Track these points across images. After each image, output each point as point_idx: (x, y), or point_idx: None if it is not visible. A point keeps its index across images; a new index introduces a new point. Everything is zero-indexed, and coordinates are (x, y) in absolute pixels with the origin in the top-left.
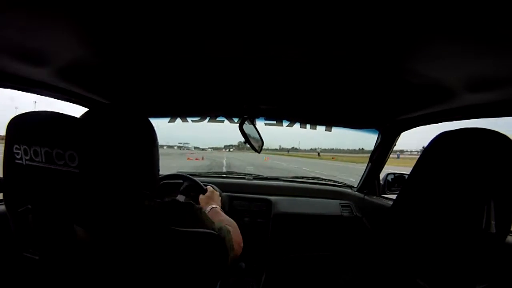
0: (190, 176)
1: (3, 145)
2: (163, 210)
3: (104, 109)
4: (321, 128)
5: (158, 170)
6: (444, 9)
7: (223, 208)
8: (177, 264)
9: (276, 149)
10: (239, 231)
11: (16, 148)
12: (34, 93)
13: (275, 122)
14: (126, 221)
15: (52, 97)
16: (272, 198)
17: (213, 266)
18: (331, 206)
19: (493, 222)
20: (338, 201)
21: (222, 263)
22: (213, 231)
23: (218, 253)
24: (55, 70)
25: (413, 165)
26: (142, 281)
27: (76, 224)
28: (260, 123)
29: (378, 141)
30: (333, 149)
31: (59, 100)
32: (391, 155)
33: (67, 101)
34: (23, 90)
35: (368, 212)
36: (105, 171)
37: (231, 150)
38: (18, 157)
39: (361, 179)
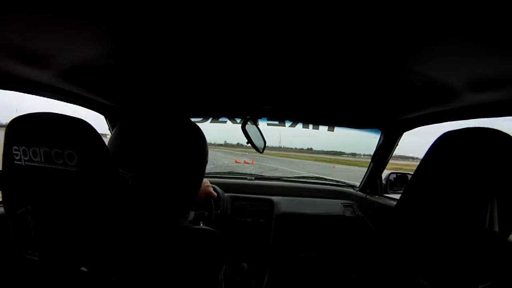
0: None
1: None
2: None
3: (139, 116)
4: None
5: (199, 187)
6: (446, 10)
7: (225, 209)
8: (175, 259)
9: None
10: None
11: (15, 149)
12: (40, 95)
13: (277, 122)
14: (124, 217)
15: (56, 99)
16: (274, 198)
17: (212, 263)
18: (333, 206)
19: (496, 221)
20: (340, 201)
21: (221, 260)
22: (213, 229)
23: (217, 250)
24: (61, 72)
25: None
26: (142, 278)
27: (76, 223)
28: (262, 123)
29: (381, 141)
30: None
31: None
32: None
33: (71, 103)
34: (28, 93)
35: (370, 212)
36: (103, 169)
37: None
38: (17, 158)
39: (363, 178)
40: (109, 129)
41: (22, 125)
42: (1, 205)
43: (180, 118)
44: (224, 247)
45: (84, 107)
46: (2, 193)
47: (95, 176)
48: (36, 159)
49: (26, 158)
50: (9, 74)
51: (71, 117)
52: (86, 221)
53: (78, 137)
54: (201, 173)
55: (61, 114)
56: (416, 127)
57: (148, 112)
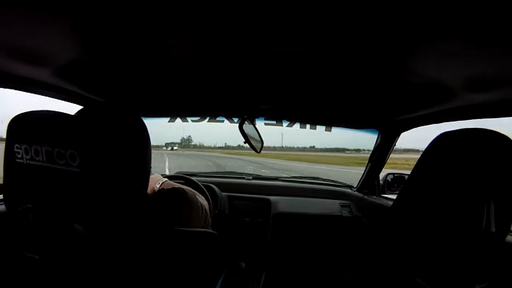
0: (190, 178)
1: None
2: (156, 199)
3: (100, 107)
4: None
5: (150, 168)
6: (444, 9)
7: (222, 209)
8: (177, 263)
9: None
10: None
11: (17, 147)
12: (32, 92)
13: (275, 122)
14: (126, 219)
15: (49, 96)
16: (271, 198)
17: (213, 265)
18: (331, 206)
19: (493, 222)
20: (338, 201)
21: (221, 261)
22: (213, 231)
23: (217, 252)
24: (52, 69)
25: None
26: (142, 280)
27: (77, 223)
28: (260, 123)
29: (378, 141)
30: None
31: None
32: None
33: (65, 101)
34: (20, 90)
35: (368, 212)
36: (106, 170)
37: (175, 148)
38: (19, 156)
39: (360, 179)
40: None
41: (24, 123)
42: (2, 203)
43: (129, 114)
44: (225, 250)
45: (81, 105)
46: (4, 191)
47: (98, 178)
48: (37, 158)
49: (27, 157)
50: (6, 72)
51: (74, 116)
52: (86, 221)
53: (81, 138)
54: (145, 157)
55: (63, 113)
56: (414, 127)
57: (105, 108)
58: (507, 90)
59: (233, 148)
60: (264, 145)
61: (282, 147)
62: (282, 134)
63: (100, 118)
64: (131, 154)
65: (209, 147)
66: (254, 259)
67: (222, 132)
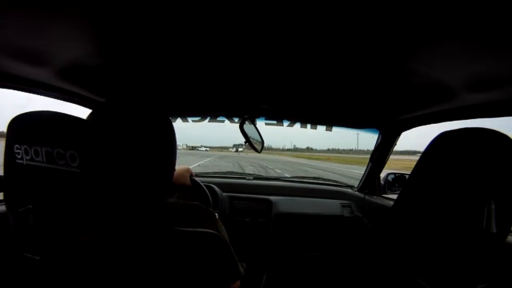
0: (201, 183)
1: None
2: (177, 210)
3: (111, 107)
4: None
5: (173, 171)
6: (445, 9)
7: (223, 209)
8: (176, 262)
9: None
10: None
11: (17, 148)
12: (35, 93)
13: (275, 122)
14: (129, 221)
15: (52, 97)
16: (272, 198)
17: (215, 267)
18: (332, 206)
19: (493, 222)
20: (339, 201)
21: (224, 263)
22: (214, 231)
23: (219, 253)
24: (56, 70)
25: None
26: (142, 280)
27: (77, 223)
28: (260, 123)
29: (379, 141)
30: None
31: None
32: None
33: (68, 101)
34: (24, 91)
35: (369, 212)
36: (107, 171)
37: (240, 150)
38: (19, 157)
39: (361, 179)
40: None
41: (24, 124)
42: (2, 203)
43: (153, 111)
44: (228, 250)
45: (81, 105)
46: (4, 192)
47: (98, 179)
48: (37, 159)
49: (27, 157)
50: (7, 73)
51: (74, 117)
52: (87, 221)
53: (80, 138)
54: (172, 156)
55: (63, 114)
56: (414, 127)
57: (125, 105)
58: (507, 90)
59: (301, 150)
60: (340, 147)
61: (357, 149)
62: (357, 135)
63: (107, 118)
64: (147, 156)
65: (278, 149)
66: (255, 260)
67: (290, 133)
